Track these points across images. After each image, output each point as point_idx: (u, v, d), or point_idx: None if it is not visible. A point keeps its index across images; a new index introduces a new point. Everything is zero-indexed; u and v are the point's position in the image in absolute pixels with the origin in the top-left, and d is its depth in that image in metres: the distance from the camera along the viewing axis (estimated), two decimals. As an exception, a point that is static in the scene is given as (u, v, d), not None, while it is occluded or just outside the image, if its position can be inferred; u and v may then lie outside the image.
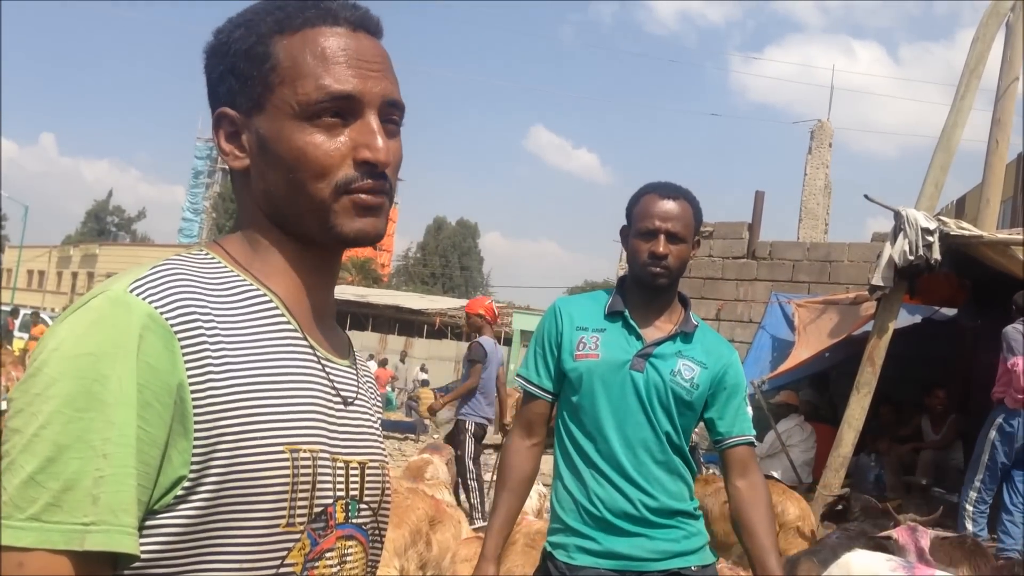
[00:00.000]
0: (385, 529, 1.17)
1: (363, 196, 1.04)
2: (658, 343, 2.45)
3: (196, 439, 0.92)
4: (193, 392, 0.92)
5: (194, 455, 0.92)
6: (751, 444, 2.57)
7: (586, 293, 2.67)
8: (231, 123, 1.07)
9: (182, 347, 0.93)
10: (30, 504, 0.85)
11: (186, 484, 0.92)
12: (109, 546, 0.86)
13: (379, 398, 1.25)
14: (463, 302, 41.58)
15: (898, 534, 4.05)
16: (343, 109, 1.03)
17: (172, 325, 0.93)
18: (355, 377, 1.13)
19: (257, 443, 0.95)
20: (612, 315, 2.49)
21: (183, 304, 0.95)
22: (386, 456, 1.18)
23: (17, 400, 0.89)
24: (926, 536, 4.14)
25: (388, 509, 1.17)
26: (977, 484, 6.94)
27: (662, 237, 2.43)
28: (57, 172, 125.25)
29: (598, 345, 2.45)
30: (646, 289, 2.48)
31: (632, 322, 2.47)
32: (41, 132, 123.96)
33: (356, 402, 1.12)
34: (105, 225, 71.65)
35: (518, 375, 2.60)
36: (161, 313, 0.92)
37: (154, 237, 70.14)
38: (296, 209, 1.04)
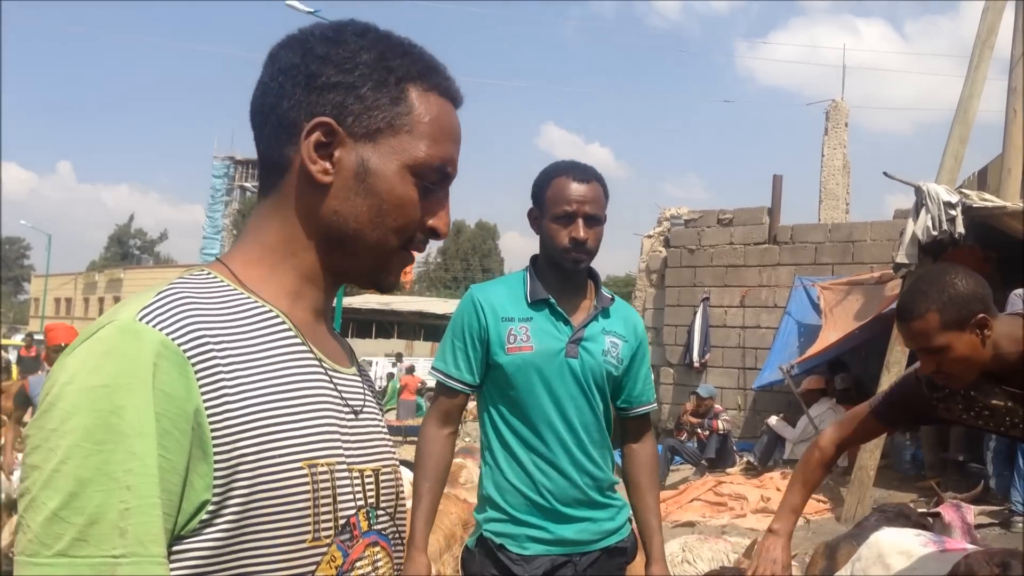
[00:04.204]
0: (404, 532, 1.18)
1: (411, 255, 1.11)
2: (585, 325, 2.48)
3: (216, 463, 0.92)
4: (210, 416, 0.92)
5: (216, 479, 0.92)
6: (649, 412, 2.70)
7: (498, 279, 2.65)
8: (329, 135, 1.03)
9: (196, 372, 0.92)
10: (56, 540, 0.84)
11: (210, 508, 0.92)
12: (143, 575, 0.86)
13: (379, 399, 1.25)
14: (486, 304, 41.55)
15: (944, 511, 4.01)
16: (439, 180, 1.09)
17: (185, 351, 0.92)
18: (360, 384, 1.14)
19: (276, 461, 0.96)
20: (536, 303, 2.47)
21: (193, 329, 0.94)
22: (397, 459, 1.18)
23: (33, 436, 0.88)
24: (971, 512, 4.10)
25: (404, 513, 1.18)
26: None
27: (580, 221, 2.42)
28: (77, 199, 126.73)
29: (529, 336, 2.44)
30: (564, 272, 2.47)
31: (559, 309, 2.46)
32: (58, 160, 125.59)
33: (364, 410, 1.12)
34: (128, 249, 72.35)
35: (434, 368, 2.56)
36: (173, 340, 0.92)
37: (177, 258, 70.69)
38: (363, 243, 1.06)
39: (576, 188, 2.44)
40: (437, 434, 2.53)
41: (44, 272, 53.06)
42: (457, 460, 7.63)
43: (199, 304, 0.97)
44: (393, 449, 1.18)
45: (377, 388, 1.23)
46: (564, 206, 2.43)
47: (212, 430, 0.92)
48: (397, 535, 1.15)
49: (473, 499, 6.00)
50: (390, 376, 21.38)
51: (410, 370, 22.08)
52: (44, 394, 0.90)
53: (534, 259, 2.58)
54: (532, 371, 2.43)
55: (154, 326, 0.92)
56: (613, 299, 2.58)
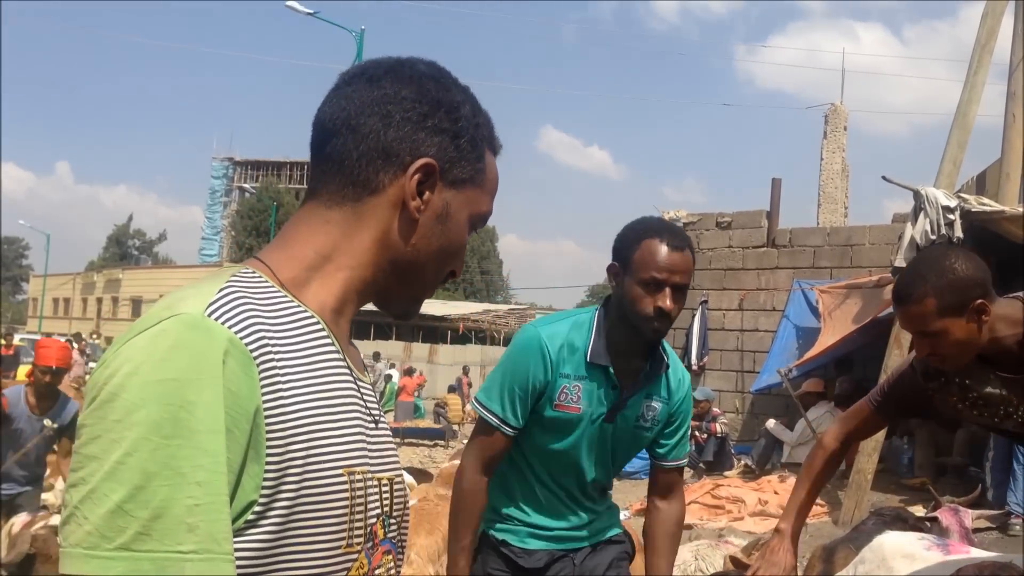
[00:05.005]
0: (406, 539, 1.20)
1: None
2: (631, 395, 2.44)
3: (268, 464, 0.92)
4: (267, 417, 0.92)
5: (265, 480, 0.92)
6: (682, 468, 2.67)
7: (565, 319, 2.48)
8: (427, 176, 1.09)
9: (259, 371, 0.93)
10: (119, 534, 0.83)
11: (256, 509, 0.91)
12: (213, 573, 0.85)
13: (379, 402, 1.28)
14: (486, 307, 41.66)
15: (941, 515, 4.01)
16: (476, 229, 1.20)
17: (251, 350, 0.92)
18: (373, 393, 1.15)
19: (322, 466, 0.96)
20: (594, 365, 2.39)
21: (257, 328, 0.94)
22: (400, 468, 1.20)
23: (92, 426, 0.87)
24: (968, 516, 4.10)
25: (408, 520, 1.20)
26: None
27: (668, 290, 2.30)
28: (76, 200, 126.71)
29: (580, 398, 2.39)
30: (636, 334, 2.37)
31: (614, 378, 2.40)
32: (56, 161, 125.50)
33: (380, 420, 1.14)
34: (127, 249, 72.34)
35: (484, 406, 2.42)
36: (240, 338, 0.92)
37: (175, 258, 70.73)
38: (423, 276, 1.14)
39: (670, 257, 2.32)
40: (480, 481, 2.44)
41: (43, 272, 53.07)
42: (455, 462, 7.65)
43: (257, 304, 0.98)
44: (397, 456, 1.20)
45: (375, 390, 1.25)
46: (654, 272, 2.31)
47: (267, 430, 0.92)
48: (401, 543, 1.16)
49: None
50: (388, 378, 21.41)
51: (409, 371, 22.11)
52: (100, 382, 0.88)
53: (606, 305, 2.48)
54: (571, 429, 2.42)
55: (223, 323, 0.92)
56: (667, 364, 2.48)
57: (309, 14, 21.25)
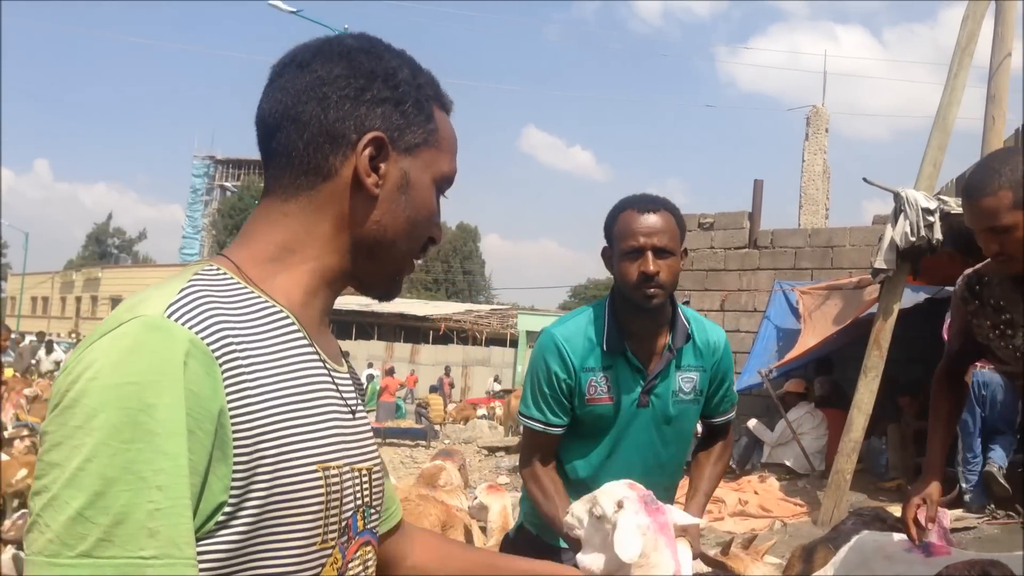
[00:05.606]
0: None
1: (414, 263, 1.18)
2: (657, 374, 2.42)
3: (236, 464, 0.91)
4: (233, 417, 0.91)
5: (234, 480, 0.91)
6: (730, 422, 2.69)
7: (575, 317, 2.49)
8: (378, 149, 1.07)
9: (222, 372, 0.91)
10: (80, 541, 0.82)
11: (227, 510, 0.91)
12: None
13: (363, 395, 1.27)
14: (468, 307, 41.62)
15: (920, 515, 4.02)
16: (443, 191, 1.17)
17: (212, 350, 0.91)
18: (351, 383, 1.14)
19: (294, 464, 0.96)
20: (613, 353, 2.40)
21: (219, 327, 0.93)
22: (379, 456, 1.19)
23: (54, 433, 0.86)
24: (946, 516, 4.12)
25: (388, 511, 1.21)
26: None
27: (649, 254, 2.30)
28: (55, 198, 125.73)
29: (609, 388, 2.40)
30: (641, 311, 2.37)
31: (634, 359, 2.40)
32: (35, 159, 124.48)
33: (357, 410, 1.13)
34: (106, 248, 71.86)
35: (529, 418, 2.45)
36: (202, 338, 0.91)
37: (156, 257, 70.31)
38: (394, 251, 1.12)
39: (643, 220, 2.33)
40: (547, 469, 2.45)
41: (21, 271, 52.58)
42: (436, 462, 7.63)
43: (219, 302, 0.97)
44: (376, 445, 1.20)
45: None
46: (631, 240, 2.33)
47: (234, 430, 0.92)
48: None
49: (452, 501, 6.01)
50: (370, 378, 21.45)
51: (390, 372, 22.08)
52: (63, 389, 0.88)
53: (612, 295, 2.48)
54: (606, 421, 2.41)
55: (183, 323, 0.91)
56: (689, 334, 2.45)
57: (292, 12, 21.18)
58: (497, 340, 35.95)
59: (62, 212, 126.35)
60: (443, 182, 1.15)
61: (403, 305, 38.22)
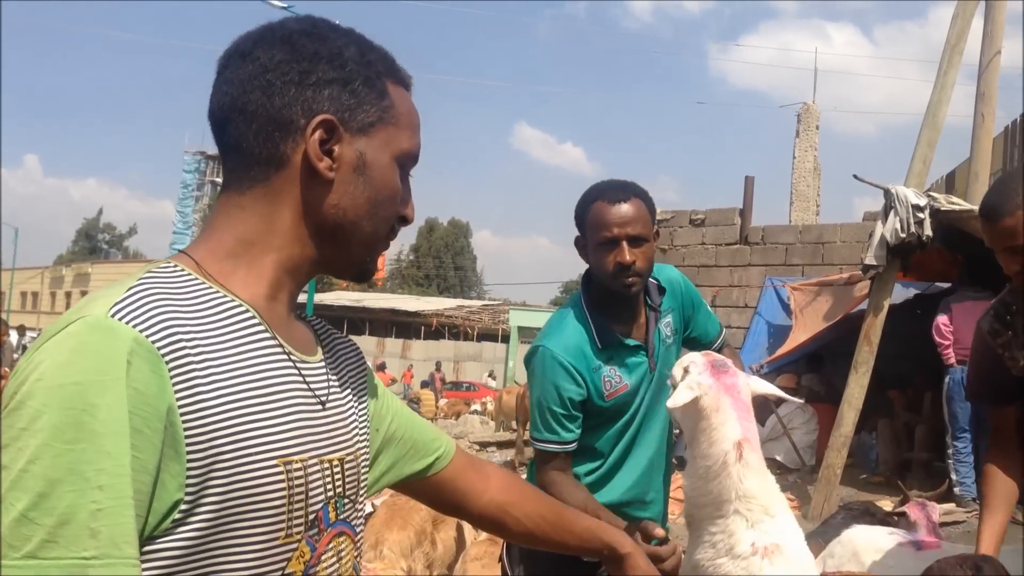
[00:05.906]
0: (363, 516, 1.19)
1: (387, 243, 1.16)
2: (649, 337, 2.47)
3: (190, 461, 0.91)
4: (183, 415, 0.91)
5: (188, 478, 0.91)
6: (725, 341, 2.74)
7: (563, 327, 2.42)
8: (329, 132, 1.05)
9: (169, 370, 0.91)
10: (24, 542, 0.82)
11: (183, 507, 0.91)
12: None
13: (364, 376, 1.25)
14: (459, 302, 41.60)
15: (909, 510, 4.04)
16: (408, 168, 1.14)
17: (158, 348, 0.90)
18: (324, 373, 1.13)
19: (252, 460, 0.95)
20: (607, 344, 2.40)
21: (167, 325, 0.92)
22: (361, 442, 1.18)
23: (3, 435, 0.86)
24: (936, 510, 4.14)
25: (365, 500, 1.20)
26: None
27: (624, 244, 2.30)
28: (45, 193, 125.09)
29: (622, 377, 2.40)
30: (620, 298, 2.39)
31: (630, 341, 2.42)
32: (24, 154, 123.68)
33: (330, 399, 1.11)
34: (96, 243, 71.48)
35: (542, 440, 2.38)
36: (147, 336, 0.90)
37: (146, 253, 69.94)
38: (358, 234, 1.10)
39: (615, 211, 2.32)
40: (566, 478, 2.39)
41: (11, 266, 52.34)
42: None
43: (171, 300, 0.96)
44: (360, 431, 1.18)
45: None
46: (604, 232, 2.32)
47: (185, 428, 0.91)
48: (360, 521, 1.16)
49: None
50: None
51: (381, 367, 22.08)
52: (12, 391, 0.88)
53: (587, 283, 2.49)
54: (630, 400, 2.43)
55: (127, 323, 0.90)
56: (660, 289, 2.50)
57: (283, 8, 21.12)
58: (489, 336, 35.97)
59: (52, 207, 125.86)
60: (405, 159, 1.12)
61: (394, 301, 38.21)
